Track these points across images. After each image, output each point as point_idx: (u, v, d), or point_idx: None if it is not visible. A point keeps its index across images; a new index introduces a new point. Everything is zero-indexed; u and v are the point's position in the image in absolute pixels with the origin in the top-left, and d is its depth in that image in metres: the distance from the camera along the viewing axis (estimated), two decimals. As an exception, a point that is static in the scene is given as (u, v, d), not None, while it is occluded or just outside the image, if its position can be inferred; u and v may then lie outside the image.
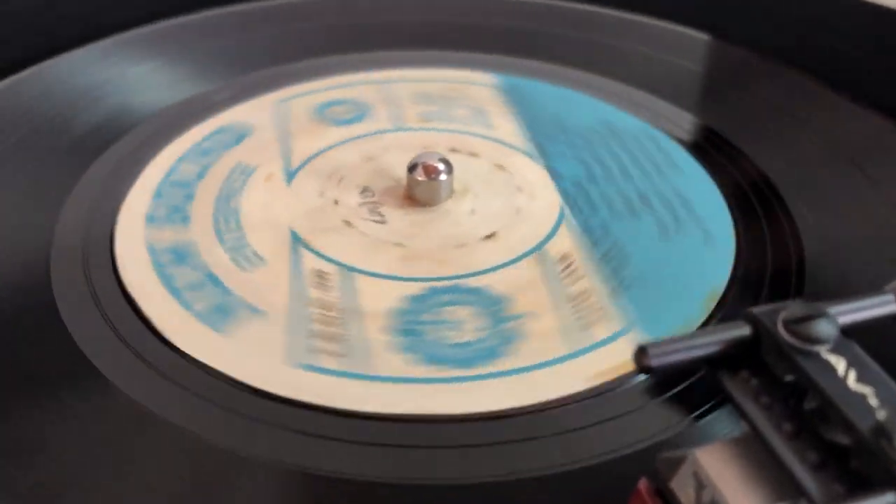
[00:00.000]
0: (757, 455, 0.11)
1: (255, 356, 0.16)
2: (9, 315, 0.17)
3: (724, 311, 0.17)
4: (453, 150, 0.22)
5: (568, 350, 0.16)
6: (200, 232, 0.19)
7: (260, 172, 0.21)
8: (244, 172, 0.21)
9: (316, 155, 0.22)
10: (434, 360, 0.16)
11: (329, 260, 0.18)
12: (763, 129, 0.23)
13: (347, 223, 0.20)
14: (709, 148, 0.22)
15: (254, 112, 0.24)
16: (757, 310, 0.12)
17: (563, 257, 0.18)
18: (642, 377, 0.15)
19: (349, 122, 0.23)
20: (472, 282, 0.18)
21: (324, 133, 0.23)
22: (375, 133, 0.23)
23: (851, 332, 0.11)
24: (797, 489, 0.10)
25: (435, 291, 0.17)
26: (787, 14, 0.30)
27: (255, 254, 0.18)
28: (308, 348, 0.16)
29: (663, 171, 0.21)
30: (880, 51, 0.27)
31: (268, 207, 0.20)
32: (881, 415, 0.10)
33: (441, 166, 0.20)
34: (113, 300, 0.17)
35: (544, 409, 0.14)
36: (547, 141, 0.23)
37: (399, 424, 0.14)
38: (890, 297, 0.12)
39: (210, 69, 0.27)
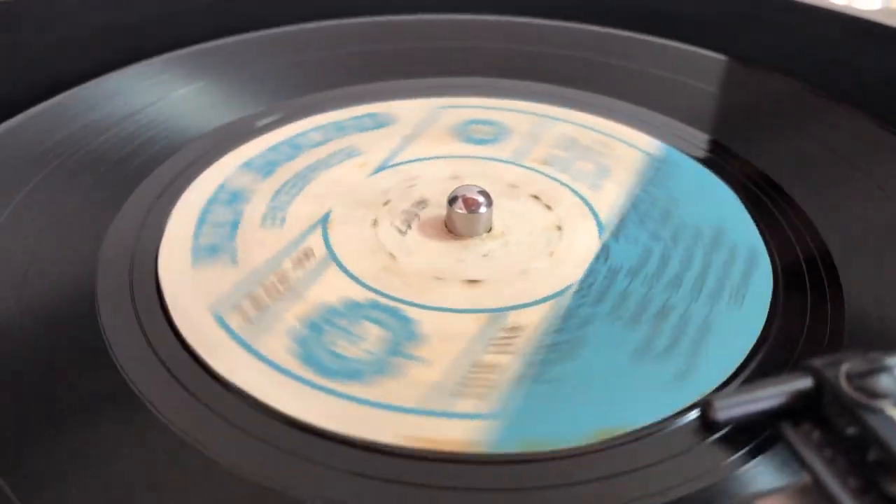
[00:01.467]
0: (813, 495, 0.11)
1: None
2: (53, 337, 0.17)
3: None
4: (534, 197, 0.21)
5: (415, 405, 0.15)
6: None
7: (358, 159, 0.23)
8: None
9: (420, 160, 0.23)
10: (308, 360, 0.16)
11: (327, 244, 0.19)
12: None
13: (375, 221, 0.20)
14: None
15: (413, 109, 0.25)
16: (818, 362, 0.12)
17: (514, 328, 0.17)
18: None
19: (478, 142, 0.24)
20: (407, 309, 0.17)
21: (447, 143, 0.24)
22: (485, 159, 0.23)
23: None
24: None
25: (373, 305, 0.17)
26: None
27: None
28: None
29: (719, 297, 0.18)
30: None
31: (336, 182, 0.22)
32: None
33: (481, 199, 0.20)
34: (156, 322, 0.17)
35: (340, 441, 0.14)
36: (636, 221, 0.21)
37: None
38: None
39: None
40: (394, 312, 0.17)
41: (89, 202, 0.21)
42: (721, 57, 0.30)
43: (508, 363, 0.16)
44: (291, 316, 0.17)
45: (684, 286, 0.18)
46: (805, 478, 0.12)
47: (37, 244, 0.19)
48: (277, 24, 0.32)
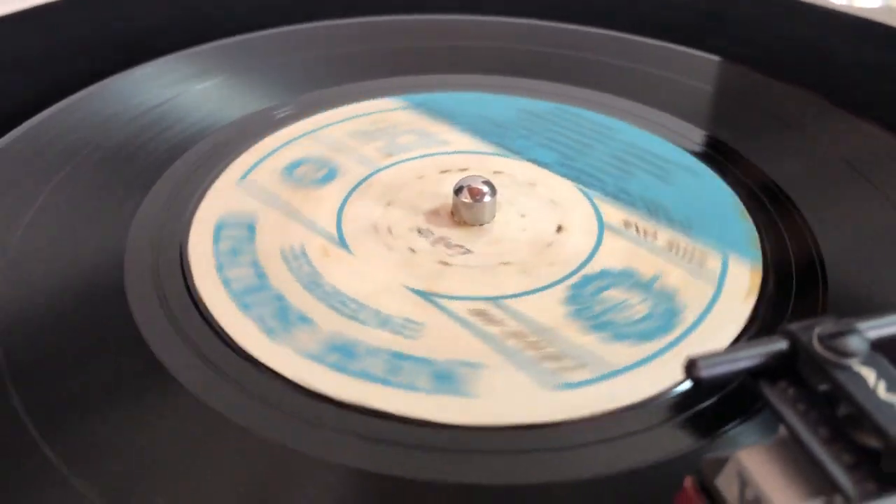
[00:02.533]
0: (794, 457, 0.12)
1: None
2: (86, 321, 0.18)
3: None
4: (443, 172, 0.23)
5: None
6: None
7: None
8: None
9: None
10: (622, 337, 0.18)
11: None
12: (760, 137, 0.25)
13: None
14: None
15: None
16: (793, 326, 0.13)
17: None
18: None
19: (318, 182, 0.23)
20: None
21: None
22: (363, 180, 0.23)
23: (879, 347, 0.13)
24: (832, 486, 0.12)
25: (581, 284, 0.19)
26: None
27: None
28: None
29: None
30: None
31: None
32: (908, 420, 0.11)
33: (485, 189, 0.21)
34: (183, 305, 0.18)
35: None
36: (505, 139, 0.25)
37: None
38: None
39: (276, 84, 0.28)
40: (603, 276, 0.20)
41: (116, 190, 0.22)
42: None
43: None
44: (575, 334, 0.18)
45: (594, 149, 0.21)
46: (782, 430, 0.13)
47: (68, 231, 0.21)
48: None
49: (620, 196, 0.23)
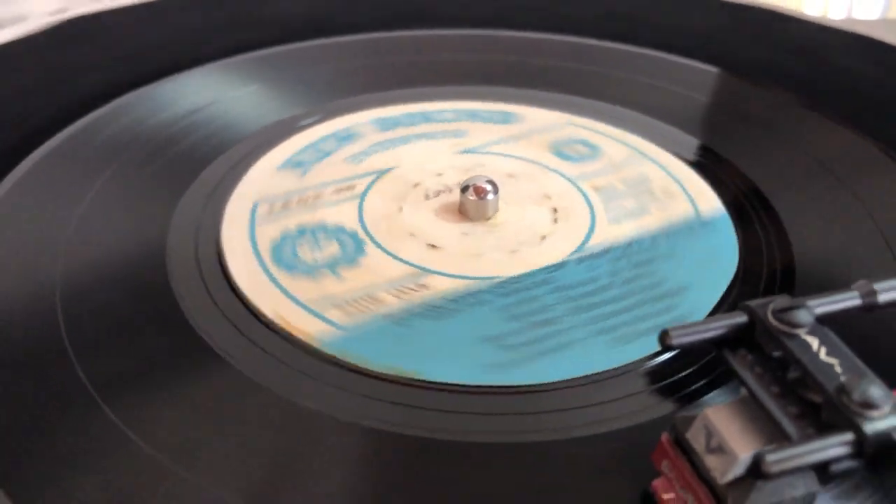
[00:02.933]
0: (752, 413, 0.15)
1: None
2: (132, 304, 0.20)
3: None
4: (553, 209, 0.25)
5: (306, 301, 0.21)
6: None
7: (459, 140, 0.28)
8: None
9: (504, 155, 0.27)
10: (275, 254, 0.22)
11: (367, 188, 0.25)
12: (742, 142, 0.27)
13: (416, 184, 0.25)
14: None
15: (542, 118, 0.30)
16: (752, 302, 0.15)
17: (421, 285, 0.21)
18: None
19: (565, 157, 0.27)
20: (369, 243, 0.23)
21: (539, 151, 0.28)
22: (551, 170, 0.27)
23: (825, 320, 0.15)
24: (782, 435, 0.14)
25: (351, 232, 0.23)
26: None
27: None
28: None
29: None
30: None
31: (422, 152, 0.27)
32: (843, 379, 0.14)
33: (489, 187, 0.24)
34: (219, 286, 0.21)
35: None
36: (612, 258, 0.23)
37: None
38: (855, 293, 0.16)
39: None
40: (358, 242, 0.22)
41: (159, 185, 0.25)
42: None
43: (391, 304, 0.20)
44: (293, 222, 0.23)
45: (588, 312, 0.20)
46: (742, 391, 0.15)
47: (118, 219, 0.23)
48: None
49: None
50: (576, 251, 0.23)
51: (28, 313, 0.20)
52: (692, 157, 0.27)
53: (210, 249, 0.22)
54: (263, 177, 0.26)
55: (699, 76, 0.34)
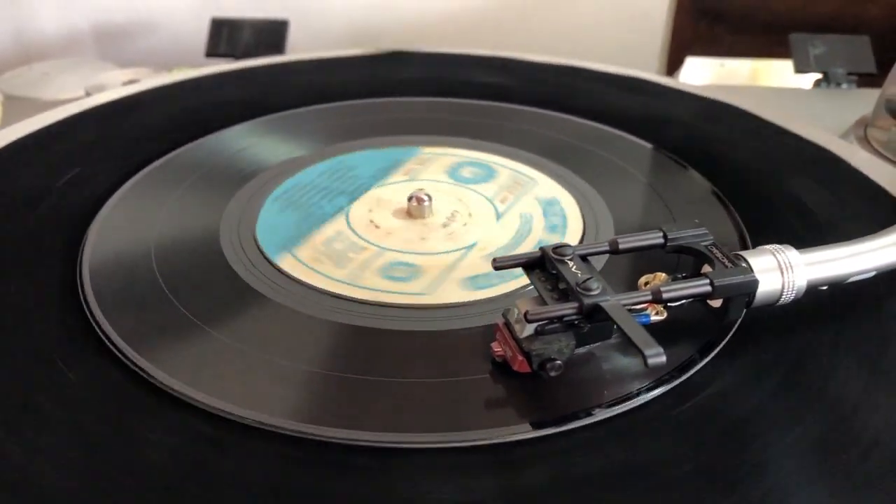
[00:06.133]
0: (539, 302, 0.27)
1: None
2: (199, 266, 0.33)
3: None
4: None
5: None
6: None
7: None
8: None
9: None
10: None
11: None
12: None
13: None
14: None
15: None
16: (544, 246, 0.28)
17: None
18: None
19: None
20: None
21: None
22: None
23: (586, 258, 0.28)
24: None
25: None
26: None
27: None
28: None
29: None
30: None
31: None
32: (581, 279, 0.26)
33: (425, 198, 0.37)
34: (255, 255, 0.34)
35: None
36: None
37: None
38: (605, 243, 0.28)
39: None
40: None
41: (214, 194, 0.39)
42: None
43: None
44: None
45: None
46: (535, 292, 0.28)
47: (189, 214, 0.37)
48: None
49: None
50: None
51: (135, 267, 0.33)
52: (560, 179, 0.41)
53: (248, 233, 0.36)
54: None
55: (579, 127, 0.48)
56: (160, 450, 0.24)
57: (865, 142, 0.51)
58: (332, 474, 0.23)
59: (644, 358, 0.22)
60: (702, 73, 0.84)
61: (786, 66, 0.74)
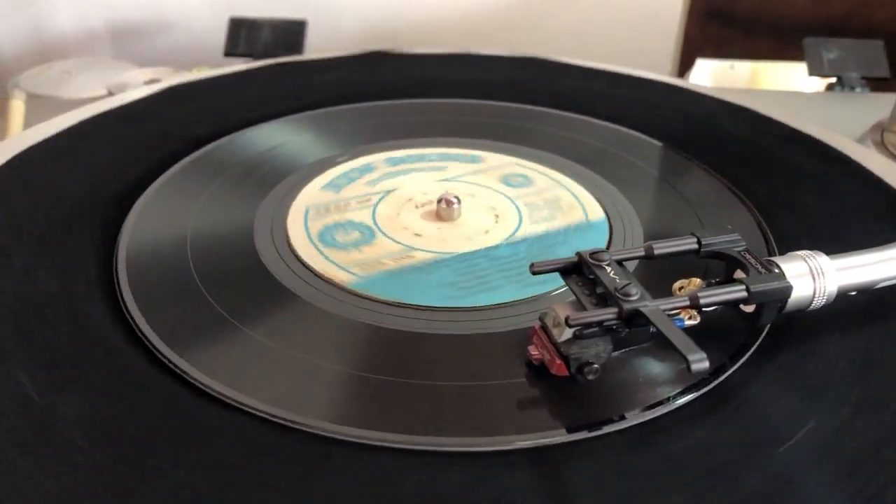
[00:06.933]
0: (577, 307, 0.28)
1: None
2: (234, 265, 0.34)
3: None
4: (496, 215, 0.39)
5: (343, 265, 0.33)
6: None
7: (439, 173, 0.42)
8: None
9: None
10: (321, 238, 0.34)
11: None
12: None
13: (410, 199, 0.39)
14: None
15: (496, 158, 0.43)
16: (581, 251, 0.29)
17: (410, 256, 0.35)
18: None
19: (511, 184, 0.41)
20: (378, 233, 0.36)
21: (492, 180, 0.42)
22: (498, 192, 0.40)
23: (619, 262, 0.28)
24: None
25: (366, 227, 0.36)
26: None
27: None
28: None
29: None
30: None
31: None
32: (620, 284, 0.27)
33: (455, 200, 0.37)
34: (286, 254, 0.35)
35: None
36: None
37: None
38: (641, 248, 0.29)
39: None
40: (371, 232, 0.36)
41: (249, 192, 0.39)
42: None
43: (390, 265, 0.33)
44: (332, 219, 0.36)
45: (508, 271, 0.34)
46: (573, 297, 0.28)
47: (222, 216, 0.37)
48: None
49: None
50: (506, 238, 0.36)
51: (172, 261, 0.34)
52: (593, 187, 0.42)
53: (281, 233, 0.36)
54: (313, 192, 0.40)
55: (605, 132, 0.48)
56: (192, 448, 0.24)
57: (882, 146, 0.51)
58: (363, 476, 0.23)
59: (688, 363, 0.23)
60: (710, 75, 0.85)
61: (788, 67, 0.75)
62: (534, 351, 0.28)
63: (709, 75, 0.85)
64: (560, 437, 0.25)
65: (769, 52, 0.90)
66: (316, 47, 0.69)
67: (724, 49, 0.93)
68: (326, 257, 0.34)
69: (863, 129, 0.56)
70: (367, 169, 0.42)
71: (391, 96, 0.52)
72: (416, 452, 0.24)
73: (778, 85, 0.80)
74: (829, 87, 0.68)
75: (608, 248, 0.36)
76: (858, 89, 0.66)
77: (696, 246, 0.29)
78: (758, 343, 0.29)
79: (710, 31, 0.94)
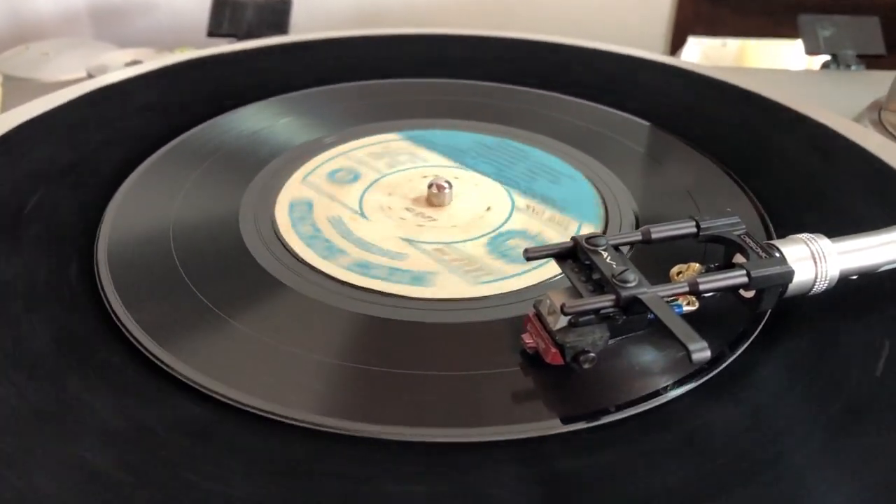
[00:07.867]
0: (573, 293, 0.27)
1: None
2: (218, 254, 0.33)
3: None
4: (423, 177, 0.39)
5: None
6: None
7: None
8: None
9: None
10: (514, 261, 0.33)
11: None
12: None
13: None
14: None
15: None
16: (576, 236, 0.28)
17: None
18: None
19: (349, 181, 0.39)
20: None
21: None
22: (375, 181, 0.39)
23: (615, 247, 0.27)
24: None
25: (497, 236, 0.34)
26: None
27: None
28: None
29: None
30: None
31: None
32: (617, 270, 0.26)
33: (445, 185, 0.36)
34: (272, 240, 0.33)
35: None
36: (464, 158, 0.40)
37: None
38: (638, 233, 0.28)
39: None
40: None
41: (235, 177, 0.38)
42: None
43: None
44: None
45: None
46: (569, 283, 0.27)
47: (208, 201, 0.36)
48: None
49: (527, 191, 0.38)
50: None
51: (153, 251, 0.32)
52: (587, 169, 0.41)
53: (267, 218, 0.35)
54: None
55: (597, 113, 0.47)
56: (176, 441, 0.23)
57: (880, 125, 0.50)
58: (353, 469, 0.23)
59: (688, 353, 0.22)
60: (702, 53, 0.84)
61: (780, 45, 0.74)
62: (528, 339, 0.27)
63: (700, 53, 0.84)
64: (555, 427, 0.24)
65: (761, 29, 0.89)
66: (301, 27, 0.67)
67: (716, 27, 0.92)
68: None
69: (859, 108, 0.55)
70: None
71: (380, 76, 0.51)
72: (405, 444, 0.24)
73: (770, 63, 0.79)
74: (825, 65, 0.67)
75: (605, 232, 0.35)
76: (854, 67, 0.65)
77: (694, 230, 0.29)
78: (758, 330, 0.29)
79: (701, 9, 0.93)
